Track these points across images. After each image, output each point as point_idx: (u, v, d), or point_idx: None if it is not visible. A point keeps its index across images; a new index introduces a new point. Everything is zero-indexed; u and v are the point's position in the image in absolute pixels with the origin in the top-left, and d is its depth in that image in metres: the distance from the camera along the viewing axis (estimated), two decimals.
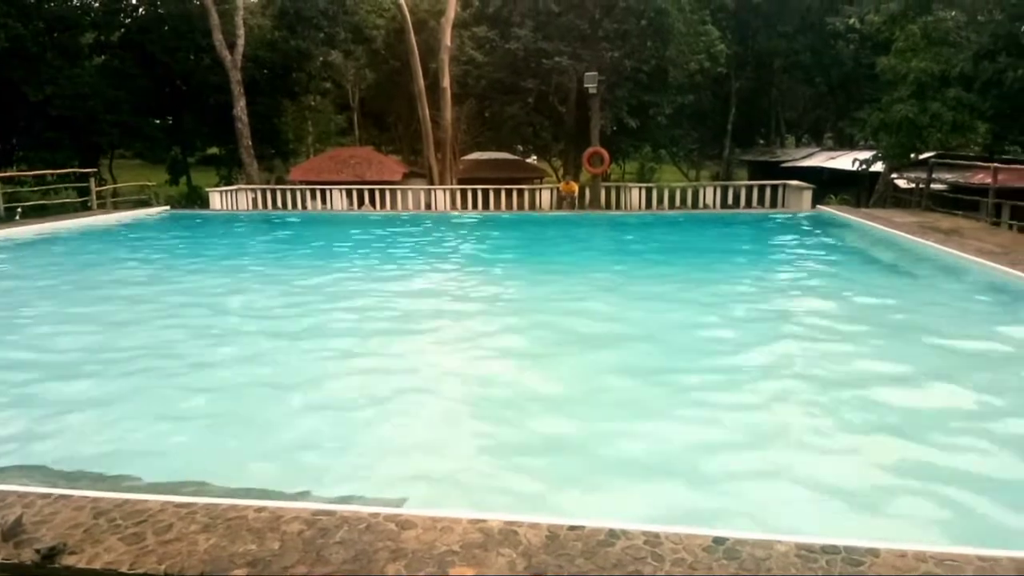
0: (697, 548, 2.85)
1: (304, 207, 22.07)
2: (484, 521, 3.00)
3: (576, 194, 22.62)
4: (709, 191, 21.74)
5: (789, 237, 15.15)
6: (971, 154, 18.72)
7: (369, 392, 5.84)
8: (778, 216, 18.28)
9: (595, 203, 22.02)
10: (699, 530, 3.01)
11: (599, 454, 4.70)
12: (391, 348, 7.18)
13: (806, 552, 2.84)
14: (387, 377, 6.22)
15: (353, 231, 16.96)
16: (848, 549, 2.87)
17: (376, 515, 3.05)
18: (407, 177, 28.05)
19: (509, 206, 21.53)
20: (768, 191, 20.55)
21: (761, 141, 43.51)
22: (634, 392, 5.89)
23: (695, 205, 21.55)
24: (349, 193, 22.26)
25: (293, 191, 22.68)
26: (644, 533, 2.95)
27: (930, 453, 4.71)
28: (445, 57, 24.43)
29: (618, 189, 22.24)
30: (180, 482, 4.09)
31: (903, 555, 2.84)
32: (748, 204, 20.71)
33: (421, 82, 25.11)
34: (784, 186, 20.45)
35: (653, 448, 4.82)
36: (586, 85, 21.54)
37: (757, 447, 4.82)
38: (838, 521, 3.90)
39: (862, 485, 4.26)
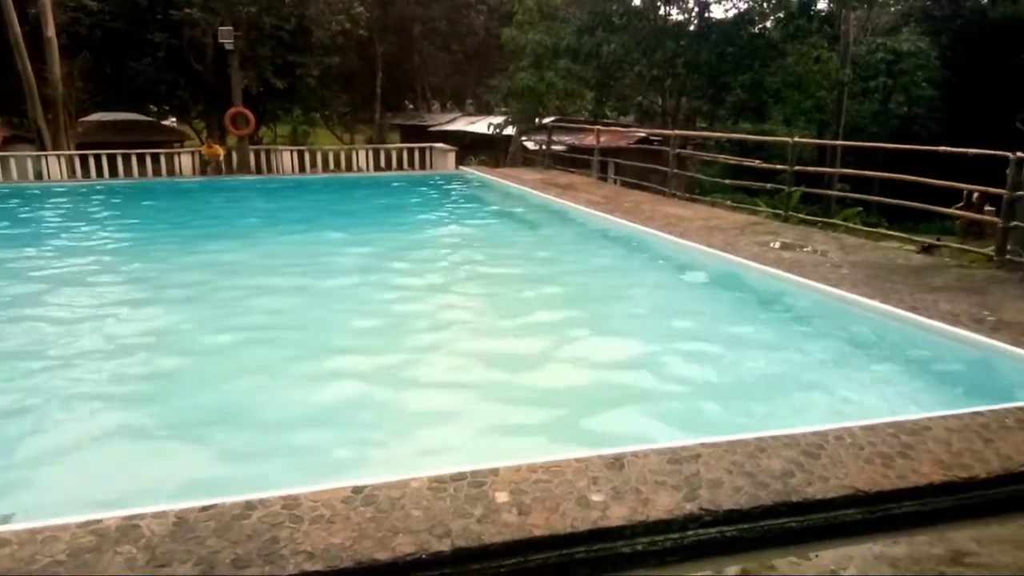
0: (336, 501, 2.92)
1: None
2: (99, 522, 2.70)
3: (221, 158, 21.11)
4: (362, 154, 21.88)
5: (435, 194, 16.92)
6: (582, 118, 21.58)
7: None
8: (426, 177, 19.34)
9: (244, 167, 20.78)
10: (339, 483, 3.08)
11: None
12: None
13: (437, 484, 3.08)
14: None
15: None
16: (473, 473, 3.18)
17: None
18: (9, 143, 23.47)
19: (143, 173, 19.27)
20: (417, 154, 21.35)
21: (410, 106, 44.88)
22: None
23: (349, 168, 21.54)
24: None
25: None
26: (283, 498, 2.93)
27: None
28: (47, 1, 20.71)
29: (268, 152, 21.25)
30: None
31: (518, 469, 3.24)
32: (400, 166, 21.33)
33: (18, 29, 20.86)
34: (431, 149, 21.43)
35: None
36: (221, 40, 20.10)
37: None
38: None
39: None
